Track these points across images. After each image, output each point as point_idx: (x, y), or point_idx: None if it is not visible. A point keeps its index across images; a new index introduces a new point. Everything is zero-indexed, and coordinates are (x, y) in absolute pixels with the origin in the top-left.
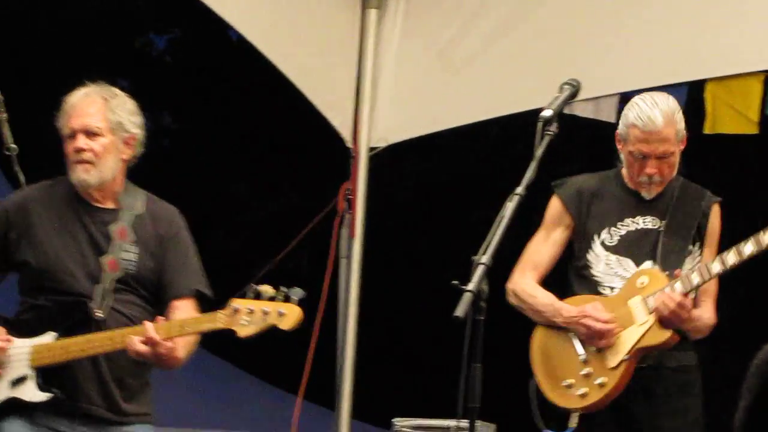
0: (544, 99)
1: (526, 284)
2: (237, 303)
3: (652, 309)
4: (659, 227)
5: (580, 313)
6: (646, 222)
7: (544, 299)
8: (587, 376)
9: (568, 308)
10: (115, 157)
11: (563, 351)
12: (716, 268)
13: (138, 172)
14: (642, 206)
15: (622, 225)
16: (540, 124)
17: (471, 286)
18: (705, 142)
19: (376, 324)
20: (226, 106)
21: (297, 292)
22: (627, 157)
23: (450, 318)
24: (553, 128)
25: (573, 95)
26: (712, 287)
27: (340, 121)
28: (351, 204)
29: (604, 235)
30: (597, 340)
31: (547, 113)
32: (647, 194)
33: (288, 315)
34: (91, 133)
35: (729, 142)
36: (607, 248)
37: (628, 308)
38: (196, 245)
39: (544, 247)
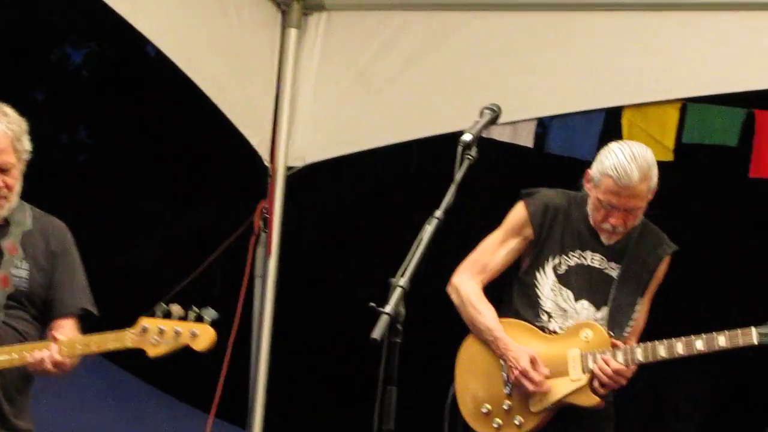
0: (463, 122)
1: (472, 291)
2: (146, 322)
3: (589, 370)
4: (607, 269)
5: (516, 362)
6: (594, 260)
7: (487, 320)
8: (507, 411)
9: (507, 344)
10: (20, 182)
11: (490, 374)
12: (662, 352)
13: (53, 187)
14: (596, 243)
15: (573, 256)
16: (460, 148)
17: (388, 308)
18: None
19: (291, 343)
20: (143, 121)
21: (210, 313)
22: (594, 201)
23: (366, 340)
24: (473, 152)
25: (493, 120)
26: (638, 330)
27: (258, 139)
28: (267, 223)
29: (557, 259)
30: (524, 389)
31: (467, 137)
32: (606, 240)
33: (201, 336)
34: (4, 169)
35: None
36: (556, 274)
37: (565, 358)
38: (110, 261)
39: (498, 252)
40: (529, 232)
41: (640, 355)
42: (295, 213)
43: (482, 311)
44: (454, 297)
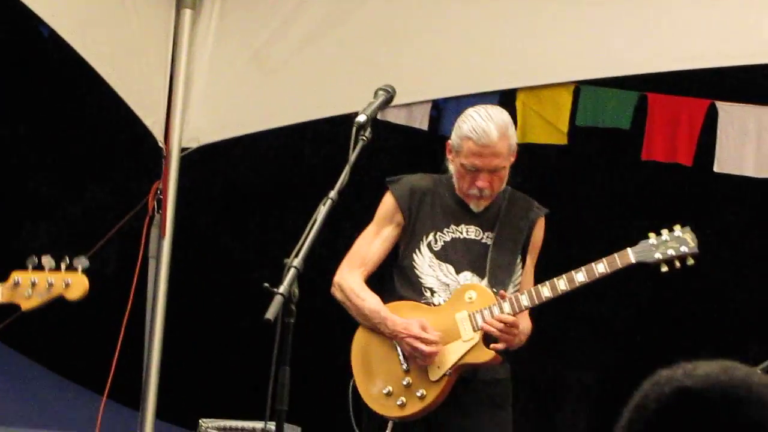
0: (357, 103)
1: (354, 282)
2: (18, 275)
3: (479, 327)
4: (483, 239)
5: (407, 331)
6: (469, 232)
7: (372, 304)
8: (408, 386)
9: (395, 320)
10: None
11: (385, 357)
12: (546, 293)
13: None
14: (468, 216)
15: (448, 231)
16: (354, 129)
17: (282, 289)
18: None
19: (185, 325)
20: (36, 102)
21: (82, 262)
22: (458, 169)
23: (260, 320)
24: (367, 134)
25: (388, 101)
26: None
27: (152, 120)
28: (161, 204)
29: (431, 237)
30: (420, 359)
31: (361, 118)
32: (475, 207)
33: (74, 284)
34: None
35: (538, 151)
36: (431, 251)
37: (454, 322)
38: (2, 246)
39: (374, 242)
40: (399, 217)
41: (525, 300)
42: (189, 194)
43: (365, 298)
44: (338, 294)
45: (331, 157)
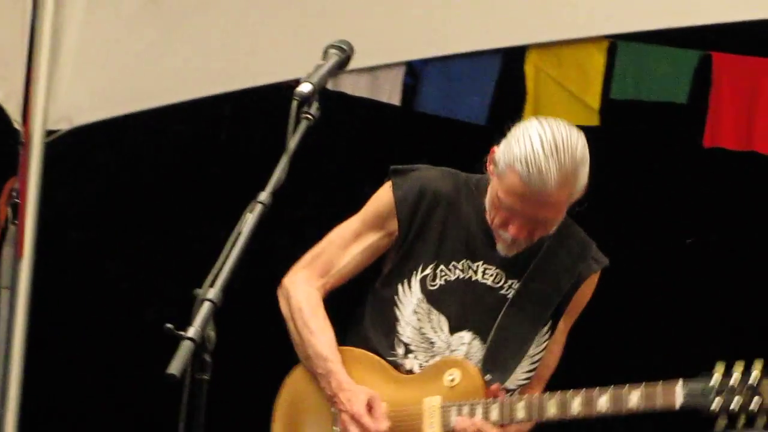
0: (299, 68)
1: (308, 299)
2: None
3: (449, 429)
4: (504, 288)
5: (348, 404)
6: (487, 275)
7: (320, 344)
8: None
9: (341, 381)
10: None
11: (319, 422)
12: (552, 410)
13: None
14: (492, 251)
15: (456, 267)
16: (294, 105)
17: (191, 331)
18: None
19: (53, 378)
20: None
21: None
22: (492, 196)
23: (160, 376)
24: (313, 110)
25: (342, 64)
26: (547, 372)
27: (5, 92)
28: (18, 211)
29: (429, 270)
30: None
31: (304, 88)
32: (503, 251)
33: None
34: None
35: None
36: (424, 290)
37: (420, 408)
38: None
39: (352, 248)
40: (392, 226)
41: (521, 411)
42: (58, 196)
43: (315, 330)
44: (282, 304)
45: (261, 145)
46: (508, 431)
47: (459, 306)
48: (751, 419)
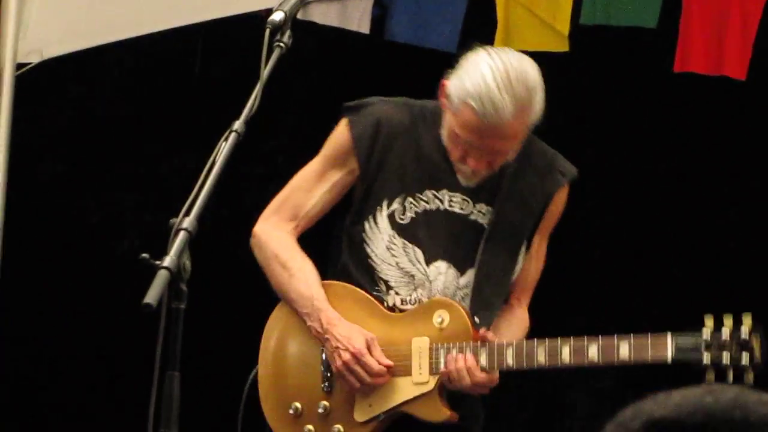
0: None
1: (282, 243)
2: None
3: (438, 371)
4: (473, 214)
5: (347, 342)
6: (453, 203)
7: (302, 284)
8: (323, 414)
9: (331, 319)
10: None
11: (305, 363)
12: (541, 358)
13: None
14: (456, 180)
15: (422, 198)
16: (267, 33)
17: (167, 261)
18: None
19: (26, 314)
20: None
21: None
22: (449, 130)
23: (136, 307)
24: (285, 39)
25: None
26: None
27: None
28: None
29: (396, 204)
30: (357, 387)
31: (276, 17)
32: (464, 181)
33: None
34: None
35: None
36: (394, 225)
37: (408, 349)
38: None
39: (317, 189)
40: (352, 163)
41: (510, 357)
42: (27, 132)
43: (295, 271)
44: (257, 252)
45: (234, 74)
46: (492, 378)
47: (431, 236)
48: (739, 374)
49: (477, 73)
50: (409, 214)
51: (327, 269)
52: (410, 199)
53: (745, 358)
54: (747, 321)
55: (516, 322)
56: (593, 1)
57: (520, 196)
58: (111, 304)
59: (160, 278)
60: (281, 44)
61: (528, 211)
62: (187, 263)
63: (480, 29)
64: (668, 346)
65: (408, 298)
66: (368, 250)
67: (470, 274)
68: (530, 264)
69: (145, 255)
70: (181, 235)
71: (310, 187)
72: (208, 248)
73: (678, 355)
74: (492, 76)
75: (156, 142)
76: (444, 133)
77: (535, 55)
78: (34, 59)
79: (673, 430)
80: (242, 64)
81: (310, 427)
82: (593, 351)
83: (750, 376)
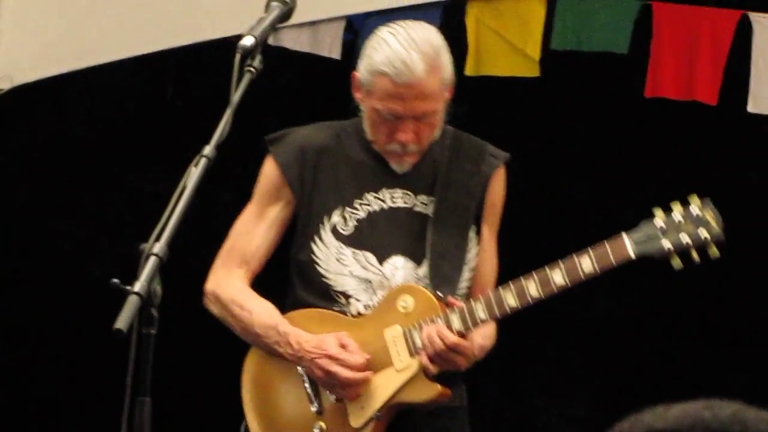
0: (241, 23)
1: (234, 289)
2: None
3: (418, 351)
4: (417, 206)
5: (318, 349)
6: (396, 199)
7: (263, 318)
8: None
9: (299, 336)
10: None
11: (289, 393)
12: (511, 301)
13: None
14: (392, 176)
15: (362, 203)
16: (237, 58)
17: (138, 286)
18: (466, 86)
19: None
20: None
21: None
22: (370, 114)
23: (108, 332)
24: (256, 63)
25: (284, 16)
26: (490, 281)
27: None
28: None
29: (336, 218)
30: (339, 389)
31: (247, 42)
32: (398, 167)
33: None
34: None
35: (498, 87)
36: (339, 237)
37: (383, 342)
38: None
39: (257, 229)
40: (287, 193)
41: (481, 311)
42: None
43: (253, 309)
44: (213, 308)
45: (205, 99)
46: (472, 339)
47: (380, 236)
48: (703, 250)
49: (381, 44)
50: (351, 224)
51: (285, 306)
52: (348, 209)
53: (703, 233)
54: (694, 200)
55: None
56: (564, 27)
57: (459, 181)
58: (82, 329)
59: (131, 304)
60: (252, 69)
61: (468, 195)
62: (158, 288)
63: (450, 54)
64: (626, 244)
65: (370, 303)
66: (320, 269)
67: (427, 264)
68: (484, 262)
69: (115, 280)
70: (152, 260)
71: (251, 229)
72: (179, 273)
73: (639, 249)
74: (395, 40)
75: (128, 167)
76: (367, 125)
77: (507, 80)
78: (5, 85)
79: None
80: (214, 89)
81: None
82: (558, 276)
83: (714, 250)
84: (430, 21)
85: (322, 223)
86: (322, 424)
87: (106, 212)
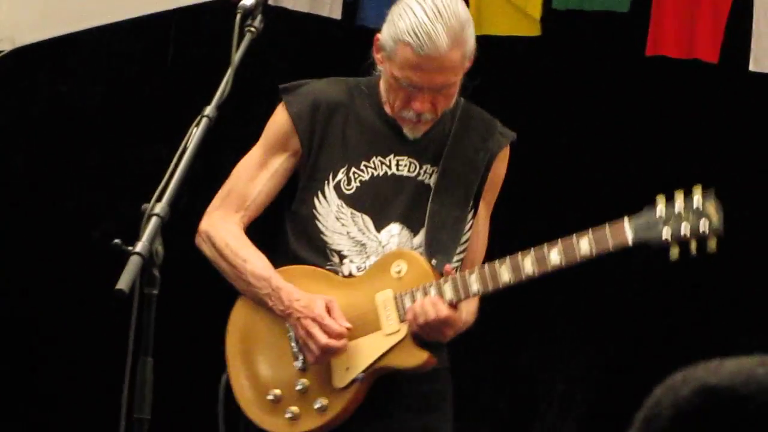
0: None
1: (229, 234)
2: None
3: (407, 317)
4: (421, 175)
5: (306, 309)
6: (401, 165)
7: (257, 268)
8: (302, 392)
9: (291, 292)
10: None
11: (275, 347)
12: (505, 276)
13: None
14: (400, 142)
15: (368, 166)
16: (238, 18)
17: (139, 246)
18: None
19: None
20: None
21: None
22: (389, 80)
23: (109, 292)
24: (257, 23)
25: None
26: (478, 258)
27: None
28: None
29: (341, 175)
30: (313, 352)
31: (247, 1)
32: (410, 133)
33: None
34: None
35: (499, 47)
36: (341, 195)
37: (373, 305)
38: None
39: (259, 177)
40: (295, 143)
41: (475, 283)
42: (1, 118)
43: (248, 258)
44: (205, 248)
45: (206, 59)
46: (461, 310)
47: (380, 202)
48: (701, 243)
49: (407, 11)
50: (355, 184)
51: (273, 260)
52: (354, 169)
53: (704, 225)
54: (697, 191)
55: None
56: None
57: (465, 154)
58: (84, 290)
59: (133, 264)
60: (252, 29)
61: (473, 169)
62: (160, 249)
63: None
64: (626, 229)
65: (363, 266)
66: (319, 225)
67: (424, 232)
68: (476, 238)
69: (117, 241)
70: (154, 220)
71: (254, 175)
72: (181, 234)
73: (638, 236)
74: (422, 11)
75: (129, 130)
76: (383, 88)
77: (508, 40)
78: (6, 47)
79: (725, 398)
80: (216, 51)
81: (294, 408)
82: (554, 255)
83: (713, 243)
84: None
85: (327, 179)
86: (305, 381)
87: (107, 174)
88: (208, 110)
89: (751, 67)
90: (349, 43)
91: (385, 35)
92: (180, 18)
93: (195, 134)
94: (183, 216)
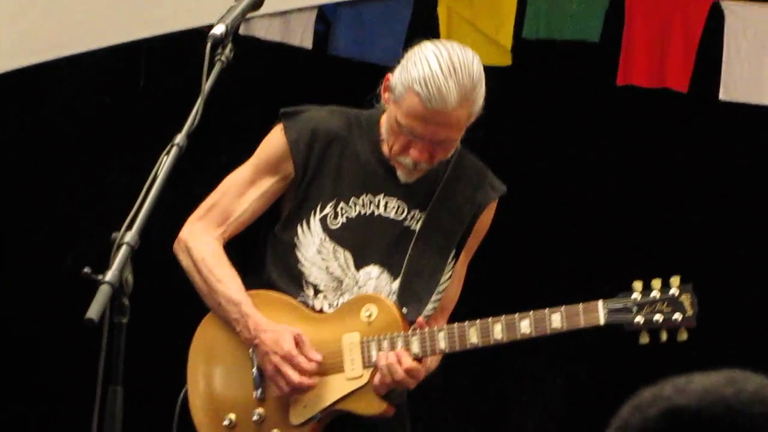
0: (212, 12)
1: (207, 249)
2: None
3: (371, 364)
4: (407, 220)
5: (274, 344)
6: (389, 208)
7: (230, 291)
8: (258, 423)
9: (259, 323)
10: None
11: (236, 371)
12: (473, 338)
13: None
14: (391, 184)
15: (356, 203)
16: (208, 47)
17: (109, 275)
18: None
19: None
20: None
21: None
22: (391, 121)
23: (79, 322)
24: (227, 52)
25: (254, 6)
26: (450, 303)
27: None
28: None
29: (329, 209)
30: (287, 391)
31: (218, 31)
32: (404, 177)
33: None
34: None
35: None
36: (326, 229)
37: (339, 346)
38: None
39: (247, 195)
40: (288, 168)
41: (443, 341)
42: None
43: (222, 278)
44: (182, 257)
45: (177, 89)
46: (425, 362)
47: (363, 241)
48: (673, 333)
49: (422, 60)
50: (341, 219)
51: (246, 280)
52: (342, 204)
53: (677, 316)
54: (675, 281)
55: None
56: (536, 15)
57: (453, 203)
58: (54, 319)
59: (102, 293)
60: (222, 59)
61: (458, 219)
62: (129, 277)
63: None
64: (600, 310)
65: (335, 303)
66: (298, 254)
67: (400, 279)
68: (451, 285)
69: (87, 270)
70: (123, 249)
71: (241, 193)
72: (151, 263)
73: (610, 318)
74: (437, 63)
75: (100, 157)
76: (384, 129)
77: None
78: None
79: (691, 421)
80: (186, 80)
81: None
82: (525, 325)
83: (683, 335)
84: (402, 10)
85: (314, 210)
86: (262, 411)
87: (78, 202)
88: (179, 138)
89: (722, 97)
90: (320, 72)
91: (396, 78)
92: (151, 46)
93: (165, 163)
94: (153, 245)
